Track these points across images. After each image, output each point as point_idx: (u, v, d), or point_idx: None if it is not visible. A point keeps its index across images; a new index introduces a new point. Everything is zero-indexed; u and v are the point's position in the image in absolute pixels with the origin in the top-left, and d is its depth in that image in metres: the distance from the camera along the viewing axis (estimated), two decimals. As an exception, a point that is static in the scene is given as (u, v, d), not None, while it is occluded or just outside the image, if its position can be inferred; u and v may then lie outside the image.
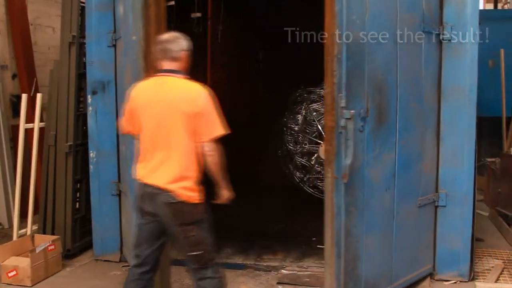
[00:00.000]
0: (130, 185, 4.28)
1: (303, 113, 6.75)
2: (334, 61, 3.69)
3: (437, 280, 4.79)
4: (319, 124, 6.47)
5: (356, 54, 3.74)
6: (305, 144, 6.66)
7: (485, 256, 5.38)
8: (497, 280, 4.79)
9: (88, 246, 5.64)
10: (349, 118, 3.64)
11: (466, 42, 4.60)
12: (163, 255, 3.84)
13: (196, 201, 3.50)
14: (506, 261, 5.23)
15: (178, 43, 3.55)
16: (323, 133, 6.42)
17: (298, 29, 8.02)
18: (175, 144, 3.44)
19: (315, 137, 6.55)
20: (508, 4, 11.17)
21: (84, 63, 5.52)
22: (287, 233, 6.22)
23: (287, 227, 6.50)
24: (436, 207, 4.73)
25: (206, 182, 3.61)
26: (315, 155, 6.57)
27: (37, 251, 4.93)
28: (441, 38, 4.61)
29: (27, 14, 7.00)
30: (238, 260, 5.32)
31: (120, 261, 5.34)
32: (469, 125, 4.65)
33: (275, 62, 8.77)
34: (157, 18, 4.21)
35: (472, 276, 4.78)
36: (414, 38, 4.27)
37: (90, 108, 5.32)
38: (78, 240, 5.62)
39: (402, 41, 4.13)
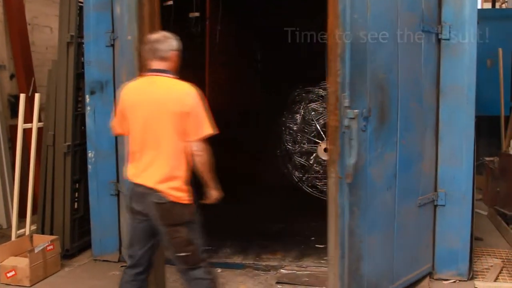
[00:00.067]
0: (127, 185, 4.27)
1: (302, 113, 6.76)
2: (338, 60, 3.67)
3: (436, 279, 4.79)
4: (317, 123, 6.47)
5: (359, 53, 3.73)
6: (304, 144, 6.67)
7: (484, 255, 5.38)
8: (496, 279, 4.80)
9: (87, 246, 5.63)
10: (353, 118, 3.62)
11: (464, 41, 4.60)
12: (157, 255, 3.82)
13: (186, 202, 3.48)
14: (505, 260, 5.23)
15: (167, 43, 3.54)
16: (321, 133, 6.44)
17: (297, 29, 8.04)
18: (164, 143, 3.43)
19: (314, 136, 6.55)
20: (506, 3, 11.18)
21: (82, 63, 5.53)
22: (286, 233, 6.22)
23: (286, 226, 6.49)
24: (435, 206, 4.73)
25: (196, 183, 3.59)
26: (314, 154, 6.57)
27: (36, 251, 4.92)
28: (439, 37, 4.61)
29: (25, 14, 6.99)
30: (237, 259, 5.32)
31: (119, 261, 5.33)
32: (468, 125, 4.65)
33: (273, 61, 8.77)
34: (150, 18, 4.20)
35: (471, 275, 4.78)
36: (413, 37, 4.27)
37: (88, 108, 5.31)
38: (76, 240, 5.61)
39: (402, 41, 4.13)
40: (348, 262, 3.82)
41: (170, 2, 6.10)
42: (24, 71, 6.87)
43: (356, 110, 3.63)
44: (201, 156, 3.45)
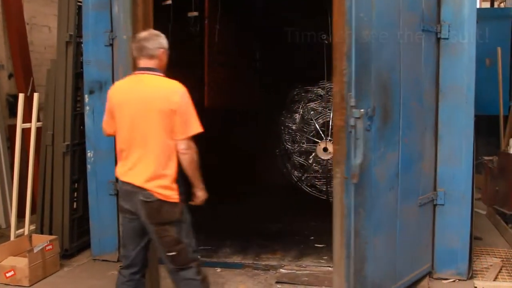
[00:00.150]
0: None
1: (301, 112, 6.76)
2: (344, 59, 3.65)
3: (435, 278, 4.79)
4: (316, 123, 6.47)
5: (364, 52, 3.71)
6: (303, 143, 6.66)
7: (483, 254, 5.38)
8: (495, 279, 4.80)
9: (86, 246, 5.62)
10: (359, 117, 3.60)
11: (463, 41, 4.60)
12: (150, 254, 3.80)
13: (174, 200, 3.45)
14: (504, 260, 5.24)
15: (155, 41, 3.52)
16: (320, 132, 6.43)
17: (296, 28, 8.04)
18: (151, 142, 3.41)
19: (313, 136, 6.54)
20: (504, 3, 11.19)
21: (81, 62, 5.53)
22: (286, 232, 6.22)
23: (285, 226, 6.49)
24: (435, 205, 4.73)
25: (186, 182, 3.57)
26: (313, 154, 6.57)
27: (35, 251, 4.91)
28: (438, 36, 4.61)
29: (23, 13, 6.98)
30: (237, 259, 5.32)
31: (118, 260, 5.31)
32: (467, 124, 4.65)
33: (272, 61, 8.77)
34: (144, 17, 4.20)
35: (471, 275, 4.79)
36: (414, 36, 4.27)
37: (87, 108, 5.30)
38: (75, 240, 5.61)
39: (403, 40, 4.13)
40: (353, 263, 3.80)
41: (169, 2, 6.09)
42: (22, 71, 6.87)
43: (362, 110, 3.61)
44: (188, 155, 3.43)
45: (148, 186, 3.41)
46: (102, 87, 5.24)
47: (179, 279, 3.59)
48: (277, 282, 4.84)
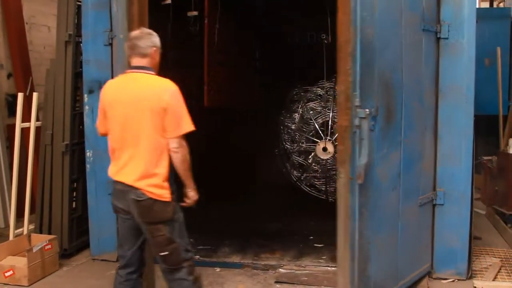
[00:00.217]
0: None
1: (300, 112, 6.75)
2: (349, 59, 3.63)
3: (435, 278, 4.79)
4: (316, 122, 6.47)
5: (367, 52, 3.70)
6: (302, 143, 6.66)
7: (483, 254, 5.39)
8: (494, 279, 4.80)
9: (85, 245, 5.62)
10: (364, 117, 3.58)
11: (463, 40, 4.60)
12: (146, 253, 3.79)
13: (166, 199, 3.44)
14: (504, 260, 5.24)
15: (147, 39, 3.52)
16: (320, 132, 6.43)
17: (296, 28, 8.03)
18: (142, 140, 3.40)
19: (312, 135, 6.54)
20: (503, 2, 11.19)
21: (81, 62, 5.52)
22: (285, 232, 6.22)
23: (285, 226, 6.50)
24: (434, 205, 4.73)
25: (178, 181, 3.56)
26: (312, 153, 6.57)
27: (34, 250, 4.91)
28: (438, 36, 4.61)
29: (23, 13, 6.97)
30: (236, 259, 5.32)
31: (117, 260, 5.27)
32: (467, 124, 4.65)
33: (272, 60, 8.76)
34: (140, 16, 4.19)
35: (470, 275, 4.79)
36: (415, 36, 4.27)
37: (86, 107, 5.29)
38: (75, 240, 5.61)
39: (405, 40, 4.12)
40: (357, 264, 3.78)
41: (168, 1, 6.08)
42: (21, 70, 6.86)
43: (367, 110, 3.59)
44: (179, 154, 3.41)
45: (139, 185, 3.40)
46: (101, 86, 5.12)
47: (171, 279, 3.59)
48: (276, 282, 4.84)
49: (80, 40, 5.48)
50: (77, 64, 5.57)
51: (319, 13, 6.81)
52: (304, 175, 6.68)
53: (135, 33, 3.58)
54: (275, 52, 8.70)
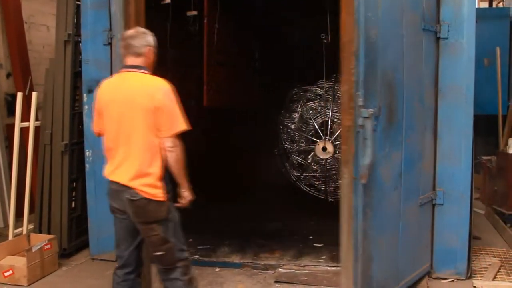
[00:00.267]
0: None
1: (299, 111, 6.74)
2: (353, 58, 3.62)
3: (434, 278, 4.79)
4: (315, 122, 6.46)
5: (371, 51, 3.68)
6: (302, 143, 6.65)
7: (482, 254, 5.39)
8: (494, 278, 4.80)
9: (85, 245, 5.61)
10: (368, 117, 3.57)
11: (463, 40, 4.60)
12: (144, 253, 3.78)
13: (160, 199, 3.43)
14: (503, 259, 5.24)
15: (142, 38, 3.51)
16: (319, 131, 6.42)
17: (295, 28, 8.03)
18: (136, 140, 3.39)
19: (312, 135, 6.53)
20: (502, 2, 11.20)
21: (80, 61, 5.52)
22: (284, 232, 6.22)
23: (284, 225, 6.50)
24: (434, 205, 4.73)
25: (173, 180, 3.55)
26: (312, 153, 6.56)
27: (33, 250, 4.91)
28: (438, 36, 4.61)
29: (22, 12, 6.96)
30: (235, 258, 5.32)
31: (116, 260, 5.30)
32: (466, 123, 4.65)
33: (272, 60, 8.77)
34: (136, 16, 4.19)
35: (470, 274, 4.79)
36: (416, 36, 4.27)
37: (86, 107, 5.28)
38: (74, 240, 5.60)
39: (406, 39, 4.12)
40: (361, 264, 3.77)
41: (168, 1, 6.08)
42: (21, 70, 6.85)
43: (371, 109, 3.57)
44: (173, 153, 3.40)
45: (133, 184, 3.40)
46: (100, 86, 5.23)
47: (166, 278, 3.59)
48: (276, 282, 4.84)
49: (79, 39, 5.47)
50: (76, 63, 5.57)
51: (319, 13, 6.81)
52: (304, 174, 6.67)
53: (130, 32, 3.58)
54: (274, 52, 8.71)
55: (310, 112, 6.59)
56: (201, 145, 7.77)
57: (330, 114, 6.39)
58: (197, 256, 5.35)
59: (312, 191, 6.70)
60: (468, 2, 4.59)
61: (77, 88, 5.59)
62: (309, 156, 6.62)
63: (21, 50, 6.91)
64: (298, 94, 6.90)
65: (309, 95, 6.75)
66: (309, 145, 6.59)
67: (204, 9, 6.39)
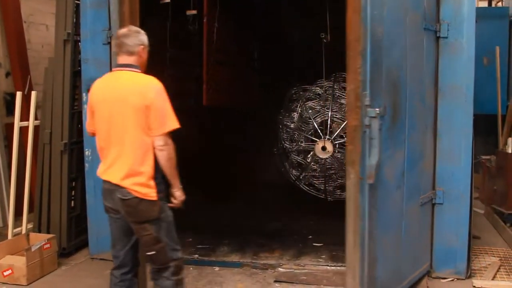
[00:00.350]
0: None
1: (299, 111, 6.73)
2: (359, 57, 3.58)
3: (434, 278, 4.79)
4: (314, 121, 6.45)
5: (377, 50, 3.66)
6: (301, 142, 6.64)
7: (482, 253, 5.39)
8: (494, 278, 4.80)
9: (84, 244, 5.61)
10: (374, 117, 3.54)
11: (462, 40, 4.60)
12: (140, 253, 3.77)
13: (152, 198, 3.41)
14: (503, 259, 5.24)
15: (135, 37, 3.51)
16: (319, 131, 6.41)
17: (294, 27, 8.01)
18: (127, 139, 3.38)
19: (311, 134, 6.52)
20: (501, 2, 11.19)
21: (79, 60, 5.51)
22: (284, 231, 6.22)
23: (284, 225, 6.49)
24: (434, 204, 4.73)
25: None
26: (311, 153, 6.55)
27: (33, 249, 4.91)
28: (438, 35, 4.61)
29: (21, 11, 6.95)
30: (235, 258, 5.31)
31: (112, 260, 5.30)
32: (466, 123, 4.66)
33: (271, 60, 8.76)
34: (131, 14, 4.19)
35: (469, 274, 4.79)
36: (417, 35, 4.27)
37: (85, 106, 5.26)
38: (73, 239, 5.60)
39: (409, 38, 4.11)
40: (367, 264, 3.74)
41: (167, 0, 6.07)
42: (20, 69, 6.84)
43: (378, 109, 3.55)
44: (165, 151, 3.38)
45: (124, 183, 3.39)
46: (100, 85, 5.22)
47: (156, 277, 3.59)
48: (275, 281, 4.84)
49: (79, 39, 5.47)
50: (76, 63, 5.57)
51: (318, 13, 6.81)
52: (303, 174, 6.66)
53: (123, 31, 3.58)
54: (274, 52, 8.70)
55: (310, 111, 6.58)
56: (200, 145, 7.77)
57: (330, 113, 6.38)
58: (196, 256, 5.35)
59: (312, 190, 6.69)
60: (468, 1, 4.59)
61: (76, 88, 5.59)
62: (309, 156, 6.61)
63: (20, 49, 6.90)
64: (298, 94, 6.89)
65: (309, 95, 6.75)
66: (309, 144, 6.58)
67: (203, 8, 6.38)
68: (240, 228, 6.26)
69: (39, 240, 5.08)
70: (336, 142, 6.35)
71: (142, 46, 3.52)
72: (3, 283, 4.80)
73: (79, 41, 5.48)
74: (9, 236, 5.52)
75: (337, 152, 6.37)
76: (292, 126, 6.73)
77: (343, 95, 6.48)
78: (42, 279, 4.96)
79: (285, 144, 6.77)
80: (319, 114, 6.53)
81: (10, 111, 6.54)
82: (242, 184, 7.89)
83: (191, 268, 5.11)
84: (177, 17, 6.72)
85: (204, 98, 6.39)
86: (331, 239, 5.72)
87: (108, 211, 3.59)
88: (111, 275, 3.71)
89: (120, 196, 3.41)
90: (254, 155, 8.27)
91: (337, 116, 6.42)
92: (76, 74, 5.54)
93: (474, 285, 4.67)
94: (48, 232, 5.47)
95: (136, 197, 3.39)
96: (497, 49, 7.40)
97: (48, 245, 5.08)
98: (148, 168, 3.39)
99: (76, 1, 5.50)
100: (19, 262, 4.86)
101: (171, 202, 3.57)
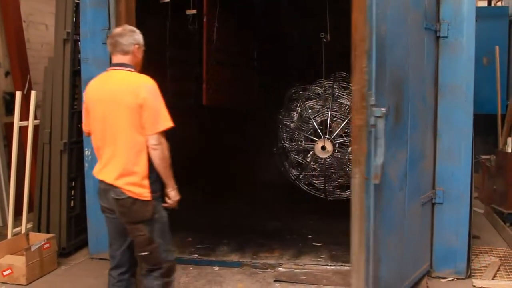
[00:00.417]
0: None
1: (299, 110, 6.72)
2: (365, 57, 3.56)
3: (434, 277, 4.79)
4: (314, 121, 6.45)
5: (381, 50, 3.64)
6: (301, 142, 6.63)
7: (482, 253, 5.39)
8: (493, 277, 4.80)
9: (83, 244, 5.61)
10: (380, 116, 3.52)
11: (462, 39, 4.60)
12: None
13: (146, 198, 3.39)
14: (503, 258, 5.24)
15: (129, 36, 3.50)
16: (318, 131, 6.41)
17: (294, 27, 7.99)
18: (121, 138, 3.37)
19: (311, 134, 6.52)
20: (501, 1, 11.19)
21: (79, 60, 5.51)
22: (283, 231, 6.21)
23: (283, 224, 6.49)
24: (433, 204, 4.73)
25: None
26: (311, 152, 6.55)
27: (32, 249, 4.90)
28: (438, 35, 4.61)
29: (20, 11, 6.94)
30: (235, 258, 5.31)
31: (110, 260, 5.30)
32: (466, 122, 4.66)
33: (271, 59, 8.76)
34: (127, 14, 4.19)
35: (469, 274, 4.79)
36: (418, 35, 4.26)
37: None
38: (73, 239, 5.59)
39: (411, 38, 4.11)
40: (372, 265, 3.72)
41: (167, -1, 6.07)
42: (19, 69, 6.84)
43: (383, 108, 3.52)
44: (158, 151, 3.35)
45: (118, 183, 3.38)
46: (100, 85, 5.21)
47: (144, 277, 3.57)
48: (275, 281, 4.83)
49: (78, 38, 5.46)
50: (75, 62, 5.56)
51: (318, 13, 6.81)
52: (303, 173, 6.65)
53: (117, 30, 3.57)
54: (274, 52, 8.70)
55: (309, 111, 6.57)
56: (200, 144, 7.77)
57: (329, 113, 6.38)
58: (196, 255, 5.35)
59: (311, 190, 6.68)
60: (468, 0, 4.59)
61: (76, 87, 5.59)
62: (308, 155, 6.60)
63: (20, 49, 6.90)
64: (297, 93, 6.88)
65: (308, 94, 6.74)
66: (308, 144, 6.57)
67: (203, 7, 6.38)
68: (240, 227, 6.26)
69: (39, 239, 5.08)
70: (335, 142, 6.34)
71: (137, 46, 3.51)
72: (2, 282, 4.80)
73: (79, 40, 5.48)
74: (9, 236, 5.51)
75: (337, 152, 6.36)
76: (291, 125, 6.72)
77: (343, 94, 6.48)
78: (41, 278, 4.96)
79: (285, 144, 6.76)
80: (319, 114, 6.52)
81: (10, 110, 6.54)
82: (242, 183, 7.89)
83: (190, 268, 5.12)
84: (177, 17, 6.72)
85: (204, 98, 6.39)
86: (330, 239, 5.73)
87: (104, 211, 3.58)
88: (108, 275, 3.70)
89: (114, 196, 3.40)
90: (253, 155, 8.27)
91: (336, 116, 6.41)
92: (75, 74, 5.54)
93: (474, 284, 4.67)
94: (47, 232, 5.47)
95: (130, 197, 3.37)
96: (497, 48, 7.40)
97: (47, 245, 5.08)
98: (141, 167, 3.38)
99: (76, 1, 5.50)
100: (19, 261, 4.85)
101: (164, 204, 3.54)
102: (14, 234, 5.55)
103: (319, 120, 6.48)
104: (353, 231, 3.75)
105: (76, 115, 5.56)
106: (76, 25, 5.50)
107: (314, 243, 5.73)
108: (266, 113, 7.59)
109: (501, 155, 6.68)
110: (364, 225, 3.68)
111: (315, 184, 6.64)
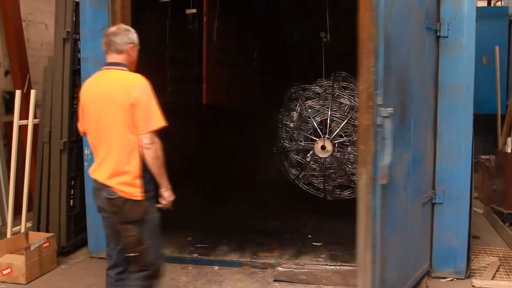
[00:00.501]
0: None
1: (298, 110, 6.72)
2: (372, 56, 3.53)
3: (433, 277, 4.79)
4: (314, 121, 6.44)
5: (387, 49, 3.61)
6: (301, 141, 6.63)
7: (481, 253, 5.39)
8: (493, 277, 4.80)
9: (83, 243, 5.61)
10: (387, 116, 3.50)
11: (462, 39, 4.60)
12: None
13: (138, 198, 3.37)
14: (502, 258, 5.24)
15: (124, 35, 3.48)
16: (318, 130, 6.40)
17: (294, 27, 7.99)
18: (114, 137, 3.36)
19: (310, 134, 6.51)
20: (501, 1, 11.19)
21: (79, 59, 5.51)
22: (283, 231, 6.21)
23: (283, 224, 6.49)
24: (433, 204, 4.73)
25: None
26: (311, 152, 6.54)
27: (32, 248, 4.90)
28: (438, 35, 4.61)
29: (20, 10, 6.94)
30: (234, 257, 5.31)
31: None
32: (466, 122, 4.66)
33: (271, 59, 8.76)
34: (122, 12, 4.18)
35: (469, 274, 4.79)
36: (420, 34, 4.26)
37: (84, 105, 5.27)
38: (72, 238, 5.59)
39: (414, 37, 4.10)
40: (379, 266, 3.70)
41: (167, -1, 6.08)
42: (19, 68, 6.83)
43: (390, 108, 3.50)
44: (151, 150, 3.32)
45: (110, 182, 3.37)
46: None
47: (128, 277, 3.54)
48: (275, 281, 4.83)
49: (78, 37, 5.46)
50: (75, 61, 5.56)
51: (318, 13, 6.81)
52: (303, 173, 6.65)
53: (112, 29, 3.56)
54: (273, 52, 8.70)
55: (309, 110, 6.57)
56: (200, 144, 7.77)
57: (329, 112, 6.37)
58: (196, 255, 5.34)
59: (311, 189, 6.68)
60: (468, 0, 4.58)
61: (76, 86, 5.58)
62: (308, 155, 6.60)
63: (19, 48, 6.89)
64: (297, 93, 6.88)
65: (308, 94, 6.74)
66: (308, 143, 6.57)
67: (203, 7, 6.37)
68: (239, 227, 6.26)
69: (38, 239, 5.07)
70: (335, 142, 6.34)
71: (131, 45, 3.50)
72: (2, 281, 4.80)
73: (79, 39, 5.48)
74: (8, 235, 5.50)
75: (337, 152, 6.36)
76: (291, 125, 6.72)
77: (343, 94, 6.48)
78: (41, 278, 4.96)
79: (285, 143, 6.76)
80: (319, 113, 6.52)
81: (9, 109, 6.53)
82: (241, 183, 7.89)
83: (190, 267, 5.12)
84: (177, 16, 6.72)
85: (204, 97, 6.39)
86: (330, 239, 5.73)
87: (99, 210, 3.58)
88: (106, 275, 3.67)
89: (106, 195, 3.39)
90: (253, 155, 8.26)
91: (336, 116, 6.41)
92: (75, 73, 5.54)
93: (473, 284, 4.67)
94: (47, 231, 5.47)
95: (122, 197, 3.36)
96: (497, 48, 7.40)
97: (47, 244, 5.08)
98: (133, 167, 3.35)
99: (76, 0, 5.50)
100: (18, 261, 4.85)
101: (158, 204, 3.51)
102: (14, 233, 5.55)
103: (319, 120, 6.48)
104: (359, 231, 3.73)
105: (75, 114, 5.53)
106: (76, 25, 5.50)
107: (313, 243, 5.73)
108: (266, 113, 7.59)
109: (500, 155, 6.68)
110: (370, 226, 3.65)
111: (315, 184, 6.64)
